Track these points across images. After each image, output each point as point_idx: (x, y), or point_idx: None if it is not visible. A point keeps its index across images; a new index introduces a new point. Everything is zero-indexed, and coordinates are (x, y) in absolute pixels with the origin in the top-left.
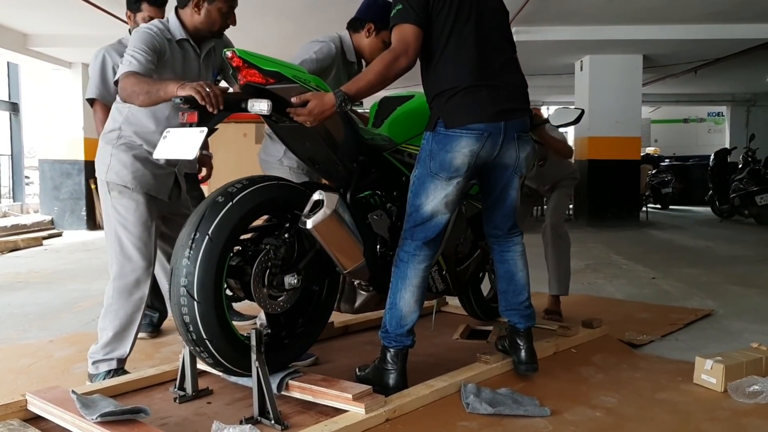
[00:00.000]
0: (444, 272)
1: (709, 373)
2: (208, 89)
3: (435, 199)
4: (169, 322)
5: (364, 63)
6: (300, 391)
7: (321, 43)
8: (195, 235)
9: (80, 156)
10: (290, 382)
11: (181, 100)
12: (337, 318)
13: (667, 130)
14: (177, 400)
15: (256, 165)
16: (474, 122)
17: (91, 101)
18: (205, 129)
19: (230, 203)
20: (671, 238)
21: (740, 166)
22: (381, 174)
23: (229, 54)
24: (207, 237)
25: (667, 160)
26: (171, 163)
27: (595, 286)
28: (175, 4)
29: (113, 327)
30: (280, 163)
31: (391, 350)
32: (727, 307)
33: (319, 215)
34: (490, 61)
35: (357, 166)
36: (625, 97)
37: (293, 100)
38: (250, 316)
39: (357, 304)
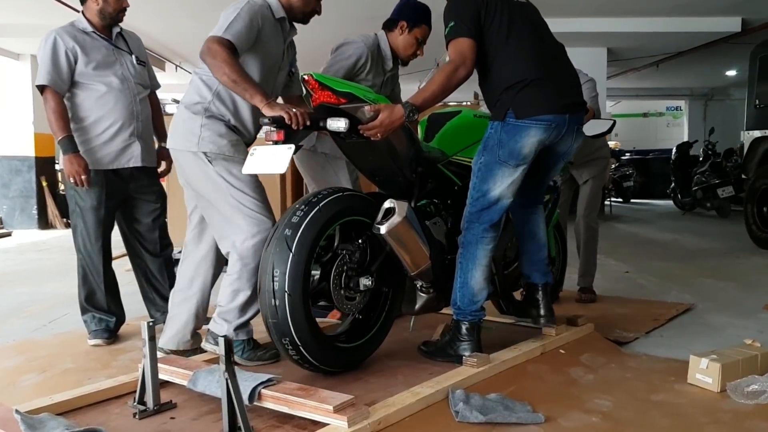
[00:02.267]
0: (494, 275)
1: (704, 373)
2: (294, 110)
3: (502, 184)
4: (126, 327)
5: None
6: (274, 401)
7: (352, 44)
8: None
9: (30, 152)
10: (263, 391)
11: (269, 120)
12: None
13: (627, 124)
14: (137, 416)
15: None
16: (543, 113)
17: (42, 88)
18: (293, 146)
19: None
20: (637, 231)
21: (701, 159)
22: (437, 184)
23: (305, 77)
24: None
25: (628, 154)
26: (250, 132)
27: (569, 281)
28: None
29: (251, 286)
30: None
31: (466, 323)
32: (706, 301)
33: (392, 221)
34: (551, 56)
35: (417, 177)
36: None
37: (366, 108)
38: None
39: (417, 306)
